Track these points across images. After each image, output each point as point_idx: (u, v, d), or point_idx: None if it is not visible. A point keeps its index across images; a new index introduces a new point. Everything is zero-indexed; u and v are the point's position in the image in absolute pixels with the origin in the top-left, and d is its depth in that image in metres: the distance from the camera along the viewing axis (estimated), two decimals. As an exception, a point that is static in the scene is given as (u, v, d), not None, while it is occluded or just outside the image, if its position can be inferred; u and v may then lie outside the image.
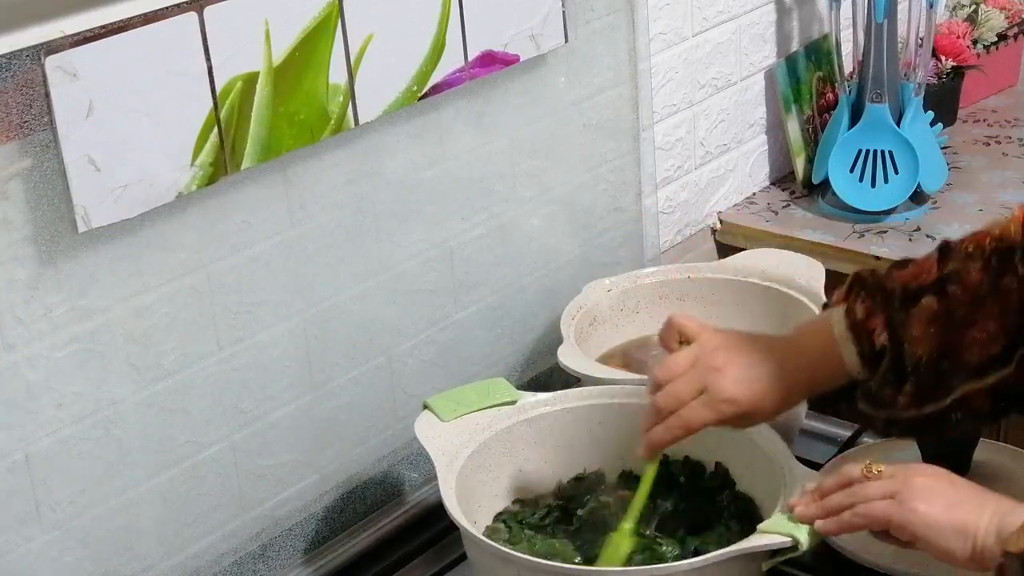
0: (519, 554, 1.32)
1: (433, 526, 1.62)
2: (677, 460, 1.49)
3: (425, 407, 1.47)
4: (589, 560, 1.37)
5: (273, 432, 1.54)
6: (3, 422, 1.29)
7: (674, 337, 1.32)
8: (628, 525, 1.34)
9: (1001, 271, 1.21)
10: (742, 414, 1.28)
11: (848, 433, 1.71)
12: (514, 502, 1.49)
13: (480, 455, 1.42)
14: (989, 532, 1.14)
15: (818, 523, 1.24)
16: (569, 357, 1.62)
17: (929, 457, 1.49)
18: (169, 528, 1.46)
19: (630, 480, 1.48)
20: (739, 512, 1.43)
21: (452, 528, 1.58)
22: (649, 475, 1.35)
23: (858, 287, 1.27)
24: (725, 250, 2.17)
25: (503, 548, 1.32)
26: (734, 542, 1.28)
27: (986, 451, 1.55)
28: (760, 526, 1.28)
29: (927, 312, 1.22)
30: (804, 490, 1.28)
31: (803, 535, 1.24)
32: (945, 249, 1.25)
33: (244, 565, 1.53)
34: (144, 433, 1.41)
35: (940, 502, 1.17)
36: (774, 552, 1.27)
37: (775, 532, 1.25)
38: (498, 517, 1.47)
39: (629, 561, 1.33)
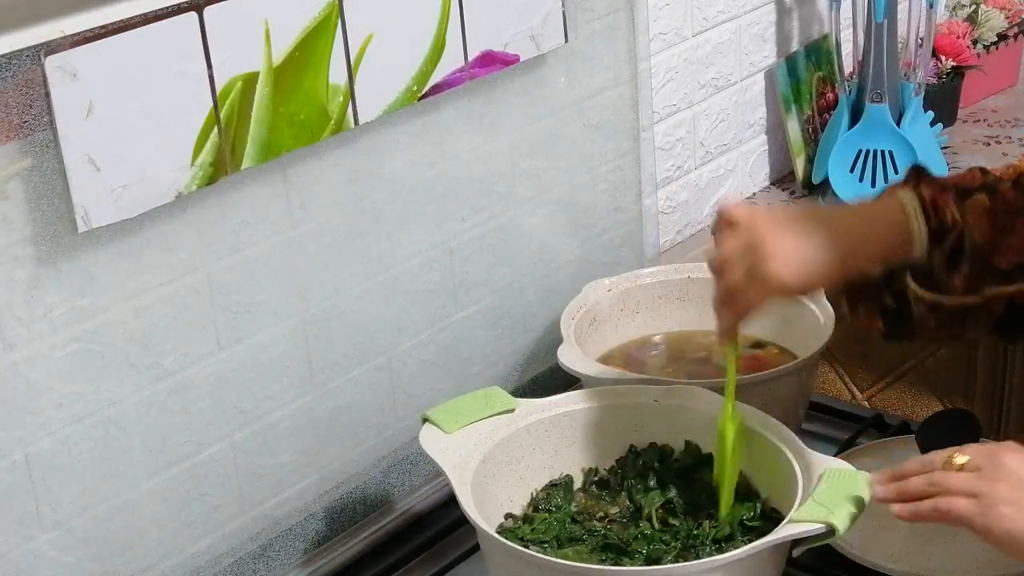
0: (548, 557, 1.32)
1: (433, 526, 1.62)
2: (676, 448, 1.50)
3: (425, 420, 1.46)
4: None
5: (273, 432, 1.54)
6: (3, 422, 1.29)
7: (724, 225, 1.31)
8: (729, 407, 1.38)
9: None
10: (797, 291, 1.30)
11: (848, 433, 1.71)
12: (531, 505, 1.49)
13: (487, 464, 1.42)
14: None
15: (895, 507, 1.21)
16: (569, 357, 1.62)
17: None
18: (169, 528, 1.46)
19: (600, 481, 1.50)
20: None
21: (452, 528, 1.59)
22: (730, 359, 1.38)
23: (918, 176, 1.31)
24: (725, 250, 2.17)
25: (531, 552, 1.32)
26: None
27: (986, 451, 1.54)
28: (792, 515, 1.28)
29: (980, 205, 1.27)
30: (883, 474, 1.26)
31: (839, 521, 1.23)
32: (979, 169, 1.32)
33: (244, 565, 1.53)
34: (144, 433, 1.41)
35: None
36: (804, 540, 1.27)
37: (809, 520, 1.25)
38: (503, 524, 1.46)
39: (738, 447, 1.38)
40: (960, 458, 1.19)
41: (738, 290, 1.29)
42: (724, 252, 1.30)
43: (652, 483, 1.47)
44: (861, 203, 1.34)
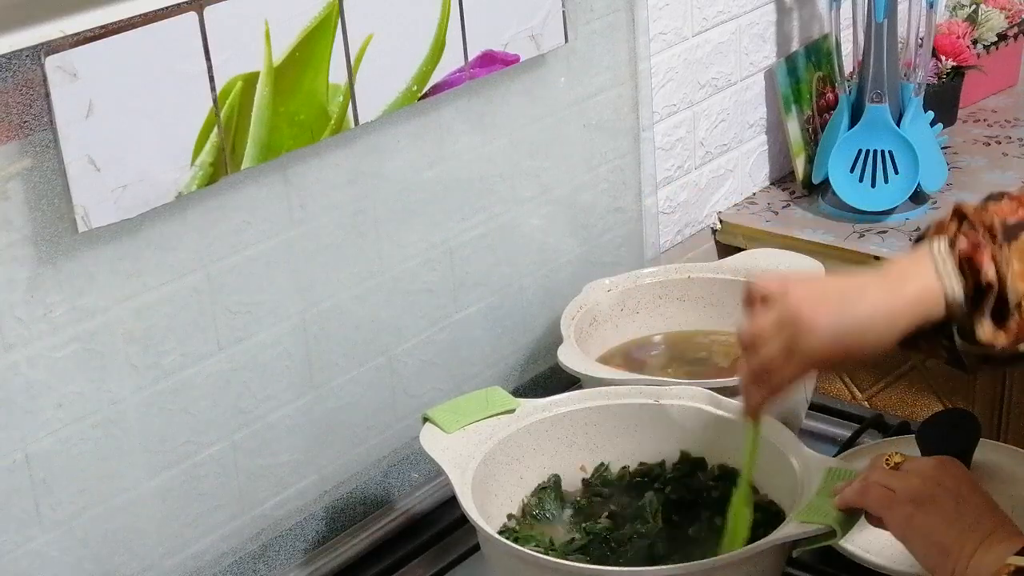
0: (548, 557, 1.32)
1: (433, 526, 1.62)
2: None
3: (426, 420, 1.46)
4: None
5: (273, 432, 1.54)
6: (3, 422, 1.29)
7: (756, 299, 1.27)
8: (743, 491, 1.34)
9: None
10: (833, 366, 1.26)
11: (848, 433, 1.71)
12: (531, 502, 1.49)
13: (487, 464, 1.42)
14: (971, 563, 1.12)
15: (838, 497, 1.25)
16: (569, 357, 1.62)
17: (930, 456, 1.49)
18: (169, 528, 1.46)
19: (600, 479, 1.50)
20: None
21: (452, 529, 1.59)
22: (751, 438, 1.33)
23: (959, 219, 1.23)
24: (725, 250, 2.17)
25: (531, 552, 1.32)
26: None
27: (986, 451, 1.55)
28: (792, 515, 1.28)
29: None
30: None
31: (839, 522, 1.24)
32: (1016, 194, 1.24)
33: (244, 565, 1.53)
34: (144, 433, 1.41)
35: (935, 514, 1.16)
36: (804, 540, 1.27)
37: (809, 521, 1.25)
38: (504, 524, 1.46)
39: (753, 529, 1.34)
40: (898, 457, 1.23)
41: (773, 366, 1.23)
42: (757, 327, 1.24)
43: (656, 485, 1.47)
44: (894, 265, 1.26)
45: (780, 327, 1.22)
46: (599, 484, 1.50)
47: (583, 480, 1.51)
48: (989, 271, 1.19)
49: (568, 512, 1.47)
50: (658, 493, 1.46)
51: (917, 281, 1.22)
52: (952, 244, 1.21)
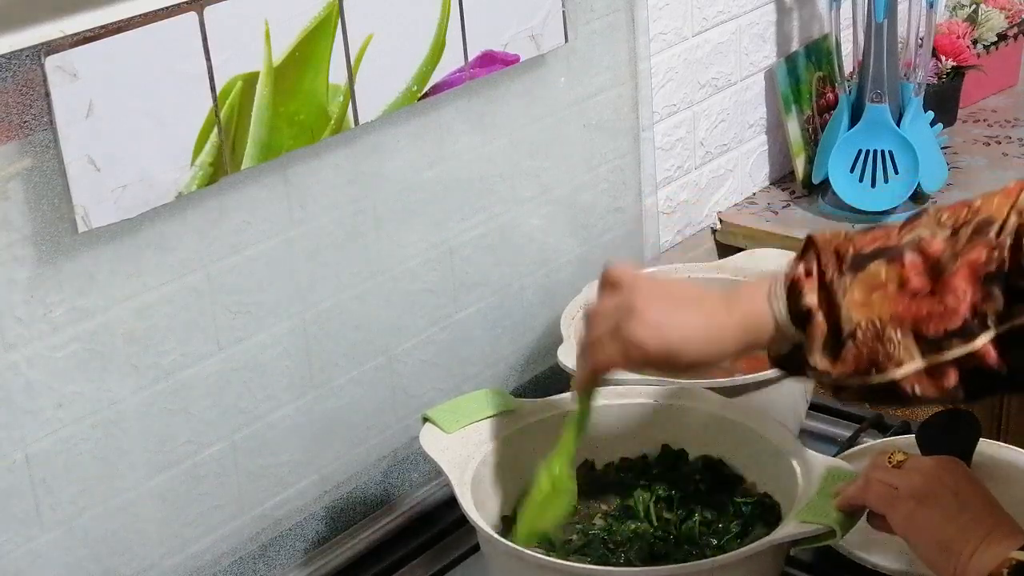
0: (548, 557, 1.32)
1: (433, 526, 1.62)
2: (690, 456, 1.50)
3: (426, 420, 1.46)
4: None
5: (273, 432, 1.54)
6: (3, 422, 1.29)
7: (606, 283, 1.28)
8: (558, 467, 1.32)
9: (969, 245, 1.15)
10: (653, 362, 1.24)
11: (848, 433, 1.71)
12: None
13: (486, 464, 1.42)
14: (972, 559, 1.12)
15: (840, 495, 1.26)
16: (569, 357, 1.62)
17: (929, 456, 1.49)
18: (169, 528, 1.46)
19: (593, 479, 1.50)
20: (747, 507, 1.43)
21: (452, 528, 1.59)
22: (577, 412, 1.33)
23: (810, 247, 1.22)
24: (725, 250, 2.17)
25: (531, 552, 1.31)
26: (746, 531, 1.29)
27: (986, 451, 1.55)
28: (792, 515, 1.28)
29: (875, 278, 1.17)
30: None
31: (838, 522, 1.24)
32: (916, 216, 1.21)
33: (244, 565, 1.53)
34: (144, 433, 1.41)
35: (937, 512, 1.17)
36: (804, 540, 1.27)
37: (808, 521, 1.25)
38: (503, 524, 1.46)
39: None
40: (899, 455, 1.23)
41: (598, 345, 1.25)
42: (597, 306, 1.27)
43: (643, 481, 1.47)
44: (743, 286, 1.26)
45: (615, 311, 1.24)
46: (586, 484, 1.49)
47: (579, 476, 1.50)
48: (809, 298, 1.18)
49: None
50: (645, 490, 1.46)
51: (750, 304, 1.22)
52: (791, 269, 1.21)
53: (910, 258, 1.16)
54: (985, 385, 1.17)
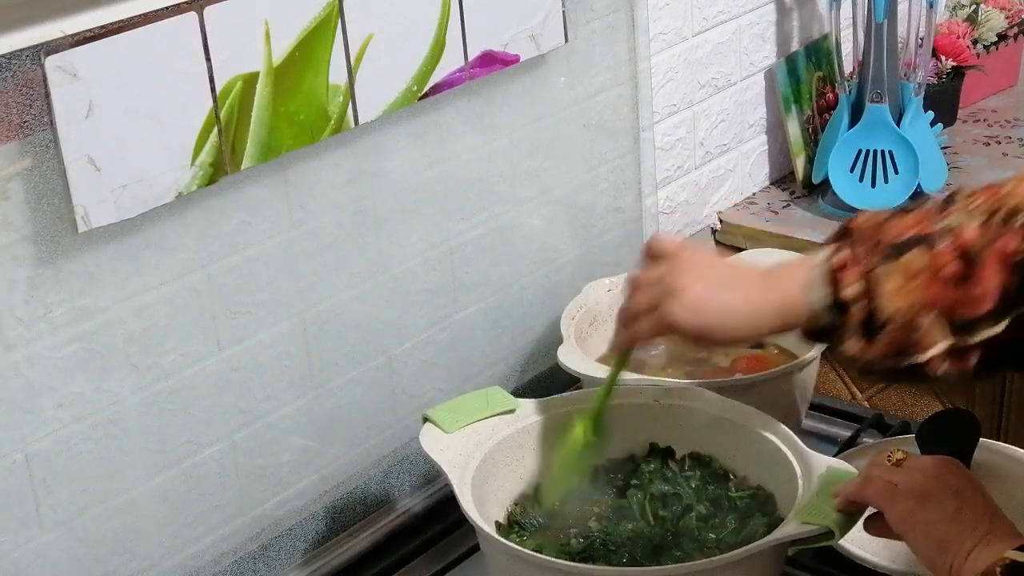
0: (548, 557, 1.32)
1: (433, 526, 1.62)
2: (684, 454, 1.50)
3: (426, 420, 1.46)
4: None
5: (273, 432, 1.54)
6: (3, 422, 1.29)
7: (651, 254, 1.31)
8: (585, 426, 1.39)
9: (1000, 231, 1.18)
10: (687, 338, 1.28)
11: (848, 433, 1.71)
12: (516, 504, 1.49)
13: (487, 464, 1.42)
14: (968, 559, 1.12)
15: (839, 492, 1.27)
16: (569, 357, 1.62)
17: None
18: (169, 528, 1.46)
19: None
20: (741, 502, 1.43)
21: (452, 529, 1.59)
22: (612, 374, 1.39)
23: (846, 234, 1.25)
24: (725, 250, 2.17)
25: (531, 552, 1.32)
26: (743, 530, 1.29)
27: (986, 451, 1.55)
28: (791, 515, 1.28)
29: (912, 266, 1.19)
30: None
31: (838, 522, 1.24)
32: (949, 200, 1.23)
33: (244, 565, 1.53)
34: (144, 433, 1.41)
35: (936, 511, 1.17)
36: (803, 540, 1.27)
37: (808, 521, 1.26)
38: (502, 523, 1.46)
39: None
40: (899, 454, 1.24)
41: (637, 315, 1.29)
42: (640, 277, 1.30)
43: (634, 480, 1.48)
44: (782, 267, 1.29)
45: (656, 286, 1.27)
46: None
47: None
48: (850, 289, 1.20)
49: (557, 518, 1.46)
50: (637, 489, 1.46)
51: (786, 286, 1.25)
52: (830, 255, 1.23)
53: (944, 245, 1.19)
54: (997, 363, 1.21)
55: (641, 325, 1.29)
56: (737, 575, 1.27)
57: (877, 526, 1.23)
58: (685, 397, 1.50)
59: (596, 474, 1.49)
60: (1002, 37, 2.56)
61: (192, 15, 1.32)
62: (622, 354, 1.37)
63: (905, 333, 1.19)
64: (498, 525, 1.43)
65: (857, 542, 1.42)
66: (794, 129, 2.27)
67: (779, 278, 1.27)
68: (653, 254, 1.31)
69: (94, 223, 1.30)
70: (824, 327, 1.24)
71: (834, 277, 1.22)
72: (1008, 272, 1.16)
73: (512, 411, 1.48)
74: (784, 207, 2.26)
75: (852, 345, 1.21)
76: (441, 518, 1.62)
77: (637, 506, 1.44)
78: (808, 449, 1.37)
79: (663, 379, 1.62)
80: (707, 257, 1.33)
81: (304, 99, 1.45)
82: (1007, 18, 2.56)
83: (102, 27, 1.26)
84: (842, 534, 1.25)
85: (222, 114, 1.37)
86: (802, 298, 1.24)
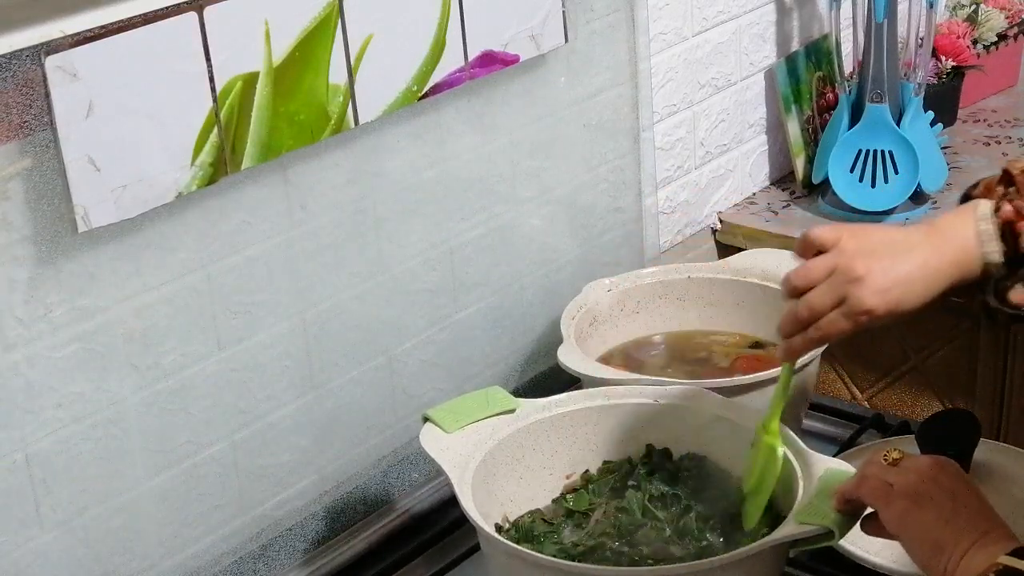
0: (548, 557, 1.32)
1: (433, 526, 1.62)
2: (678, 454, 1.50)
3: (426, 419, 1.46)
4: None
5: (273, 432, 1.54)
6: (3, 422, 1.29)
7: (811, 249, 1.30)
8: (772, 426, 1.36)
9: None
10: (879, 322, 1.27)
11: (848, 433, 1.71)
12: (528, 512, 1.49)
13: (487, 464, 1.42)
14: (962, 561, 1.12)
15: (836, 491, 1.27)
16: (569, 357, 1.62)
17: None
18: (169, 528, 1.46)
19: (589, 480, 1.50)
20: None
21: (452, 529, 1.59)
22: (784, 378, 1.35)
23: (1006, 184, 1.28)
24: (725, 250, 2.17)
25: (531, 552, 1.32)
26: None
27: (986, 451, 1.55)
28: (792, 515, 1.28)
29: None
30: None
31: (837, 523, 1.25)
32: None
33: (244, 565, 1.53)
34: (144, 433, 1.41)
35: (931, 512, 1.16)
36: (802, 541, 1.27)
37: (808, 522, 1.26)
38: (503, 523, 1.46)
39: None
40: (896, 453, 1.24)
41: (823, 314, 1.27)
42: (809, 272, 1.28)
43: (631, 482, 1.48)
44: (942, 221, 1.30)
45: (832, 277, 1.26)
46: (584, 490, 1.49)
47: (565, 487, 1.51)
48: None
49: (565, 527, 1.46)
50: (636, 490, 1.46)
51: (958, 242, 1.27)
52: (997, 209, 1.26)
53: None
54: None
55: (834, 322, 1.26)
56: (737, 575, 1.27)
57: (873, 525, 1.23)
58: (685, 397, 1.50)
59: (597, 474, 1.50)
60: (1002, 37, 2.56)
61: (192, 15, 1.32)
62: (795, 358, 1.34)
63: None
64: (499, 529, 1.43)
65: (857, 542, 1.43)
66: (794, 129, 2.27)
67: (944, 235, 1.28)
68: (813, 248, 1.29)
69: (94, 223, 1.30)
70: (993, 277, 1.26)
71: (1011, 229, 1.24)
72: None
73: (512, 411, 1.48)
74: (784, 207, 2.26)
75: (1017, 294, 1.24)
76: (441, 518, 1.62)
77: (638, 506, 1.44)
78: (808, 449, 1.37)
79: (663, 379, 1.62)
80: (868, 233, 1.31)
81: (304, 99, 1.45)
82: (1007, 18, 2.56)
83: (102, 27, 1.26)
84: (842, 534, 1.25)
85: (222, 114, 1.37)
86: (976, 252, 1.26)
